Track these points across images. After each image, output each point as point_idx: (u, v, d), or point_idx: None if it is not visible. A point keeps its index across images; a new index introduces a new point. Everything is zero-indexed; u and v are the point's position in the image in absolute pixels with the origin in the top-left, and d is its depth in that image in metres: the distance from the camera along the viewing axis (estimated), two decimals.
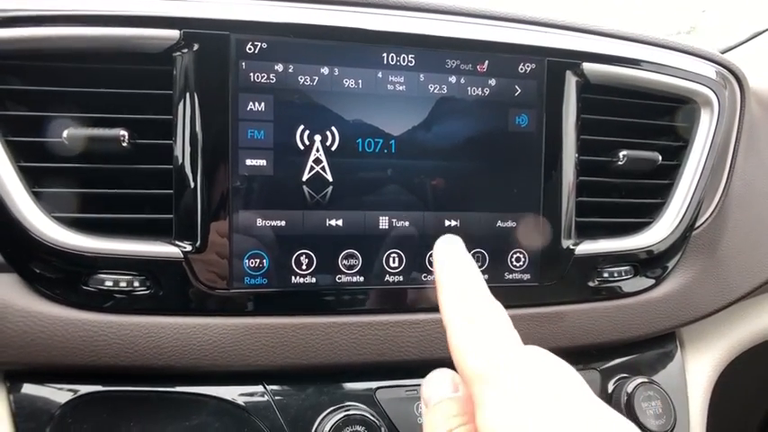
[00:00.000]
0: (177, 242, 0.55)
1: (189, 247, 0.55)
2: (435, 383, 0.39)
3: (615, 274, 0.68)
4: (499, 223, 0.63)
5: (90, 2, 0.54)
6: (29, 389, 0.55)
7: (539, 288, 0.64)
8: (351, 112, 0.58)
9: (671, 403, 0.66)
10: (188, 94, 0.55)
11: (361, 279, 0.59)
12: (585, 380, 0.71)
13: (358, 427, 0.56)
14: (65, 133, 0.53)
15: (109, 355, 0.54)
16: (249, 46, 0.55)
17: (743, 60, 0.79)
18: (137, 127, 0.55)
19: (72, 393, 0.55)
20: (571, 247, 0.65)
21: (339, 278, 0.59)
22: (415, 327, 0.61)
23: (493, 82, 0.61)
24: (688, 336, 0.79)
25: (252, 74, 0.55)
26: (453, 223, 0.61)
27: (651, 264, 0.71)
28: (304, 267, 0.58)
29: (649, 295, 0.71)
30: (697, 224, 0.74)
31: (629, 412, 0.64)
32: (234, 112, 0.55)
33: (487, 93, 0.61)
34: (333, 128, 0.58)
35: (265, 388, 0.59)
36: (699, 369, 0.77)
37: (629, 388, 0.66)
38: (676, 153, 0.73)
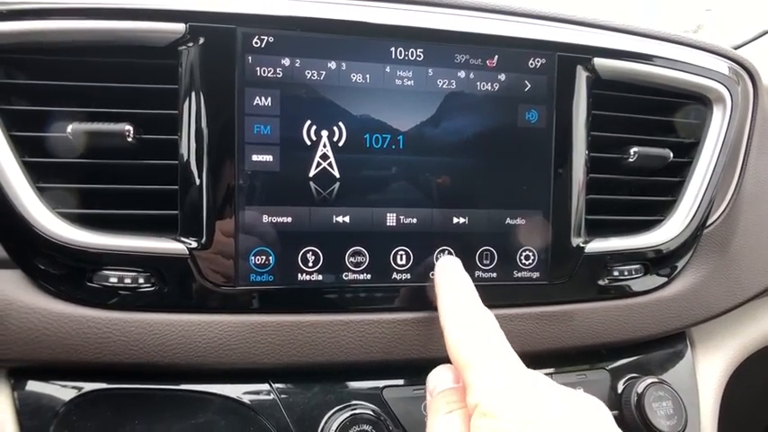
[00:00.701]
0: (182, 238, 0.55)
1: (194, 244, 0.54)
2: (439, 376, 0.48)
3: (625, 273, 0.67)
4: (508, 221, 0.62)
5: None
6: (33, 386, 0.55)
7: (548, 286, 0.63)
8: (358, 107, 0.57)
9: (682, 403, 0.65)
10: (193, 89, 0.54)
11: (368, 277, 0.58)
12: (595, 379, 0.70)
13: (365, 427, 0.55)
14: (69, 128, 0.53)
15: (113, 352, 0.54)
16: (256, 40, 0.54)
17: (753, 58, 0.77)
18: (141, 122, 0.54)
19: (76, 391, 0.54)
20: (581, 245, 0.64)
21: (346, 275, 0.58)
22: (423, 325, 0.60)
23: (503, 77, 0.60)
24: (698, 335, 0.78)
25: (258, 68, 0.55)
26: (461, 220, 0.60)
27: (662, 262, 0.70)
28: (310, 264, 0.57)
29: (660, 294, 0.70)
30: (708, 222, 0.72)
31: (640, 412, 0.63)
32: (240, 106, 0.54)
33: (497, 88, 0.60)
34: (340, 123, 0.57)
35: (271, 386, 0.58)
36: (710, 369, 0.76)
37: (640, 388, 0.65)
38: (688, 150, 0.72)
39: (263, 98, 0.55)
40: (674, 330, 0.72)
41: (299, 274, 0.57)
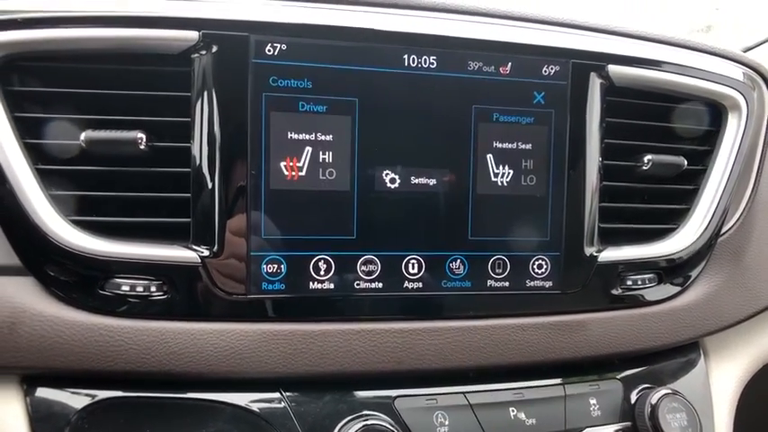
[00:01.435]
0: (194, 246, 0.55)
1: (206, 252, 0.54)
2: None
3: (639, 282, 0.67)
4: (521, 229, 0.61)
5: (107, 3, 0.53)
6: (46, 393, 0.55)
7: (561, 296, 0.63)
8: (369, 114, 0.57)
9: (696, 415, 0.64)
10: (206, 96, 0.54)
11: (380, 285, 0.58)
12: (608, 390, 0.69)
13: None
14: (82, 136, 0.53)
15: (125, 360, 0.53)
16: (268, 47, 0.54)
17: (766, 59, 0.76)
18: (154, 129, 0.54)
19: (89, 398, 0.54)
20: (594, 253, 0.64)
21: (357, 284, 0.58)
22: (434, 334, 0.60)
23: (516, 84, 0.60)
24: (712, 344, 0.77)
25: (271, 75, 0.54)
26: (473, 229, 0.60)
27: (675, 271, 0.69)
28: (322, 273, 0.57)
29: (673, 304, 0.69)
30: (722, 231, 0.72)
31: (654, 424, 0.63)
32: (253, 114, 0.54)
33: (511, 96, 0.60)
34: (351, 133, 0.56)
35: (282, 395, 0.58)
36: (723, 379, 0.75)
37: (654, 399, 0.64)
38: (702, 157, 0.71)
39: (275, 106, 0.55)
40: (688, 340, 0.72)
41: (311, 283, 0.57)
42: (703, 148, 0.71)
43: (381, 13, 0.57)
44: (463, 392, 0.61)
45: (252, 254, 0.55)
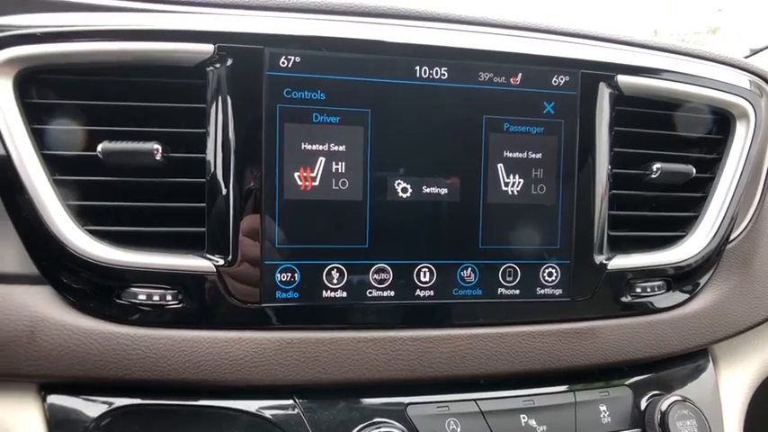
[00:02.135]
0: (209, 256, 0.55)
1: (221, 261, 0.55)
2: None
3: (648, 290, 0.67)
4: (531, 238, 0.62)
5: (123, 17, 0.54)
6: (64, 401, 0.55)
7: (571, 303, 0.63)
8: (381, 125, 0.57)
9: (706, 422, 0.64)
10: (221, 108, 0.54)
11: (392, 293, 0.59)
12: (617, 396, 0.69)
13: None
14: (99, 147, 0.54)
15: (142, 368, 0.54)
16: (283, 59, 0.55)
17: None
18: (170, 140, 0.55)
19: (106, 406, 0.55)
20: (604, 261, 0.64)
21: (370, 292, 0.58)
22: (446, 342, 0.60)
23: (526, 94, 0.61)
24: (721, 351, 0.78)
25: (285, 87, 0.55)
26: (484, 238, 0.60)
27: (684, 279, 0.69)
28: (335, 281, 0.57)
29: (682, 311, 0.70)
30: (731, 238, 0.72)
31: (664, 431, 0.63)
32: (267, 125, 0.55)
33: (521, 106, 0.60)
34: (365, 143, 0.57)
35: (296, 402, 0.58)
36: (733, 386, 0.75)
37: (663, 406, 0.64)
38: (710, 165, 0.72)
39: (289, 117, 0.55)
40: (697, 347, 0.72)
41: (324, 291, 0.57)
42: (711, 155, 0.72)
43: (393, 25, 0.58)
44: (474, 399, 0.61)
45: (266, 263, 0.56)
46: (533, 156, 0.61)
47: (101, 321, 0.54)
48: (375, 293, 0.58)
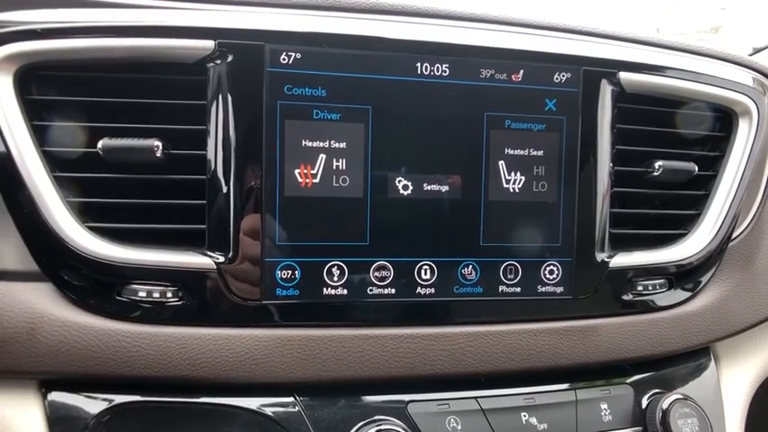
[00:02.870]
0: (209, 253, 0.55)
1: (221, 258, 0.55)
2: None
3: (650, 288, 0.67)
4: (532, 235, 0.62)
5: (123, 13, 0.54)
6: (64, 398, 0.55)
7: (572, 301, 0.63)
8: (382, 121, 0.57)
9: (707, 420, 0.64)
10: (222, 104, 0.54)
11: (393, 291, 0.59)
12: (619, 395, 0.69)
13: None
14: (100, 143, 0.54)
15: (142, 365, 0.54)
16: (283, 56, 0.55)
17: None
18: (170, 137, 0.55)
19: (107, 403, 0.55)
20: (605, 259, 0.64)
21: (371, 290, 0.58)
22: (447, 340, 0.60)
23: (527, 91, 0.60)
24: (722, 349, 0.78)
25: (286, 84, 0.55)
26: (486, 235, 0.60)
27: (686, 277, 0.69)
28: (335, 279, 0.57)
29: (684, 309, 0.70)
30: (733, 236, 0.72)
31: (665, 429, 0.63)
32: (268, 122, 0.55)
33: (522, 103, 0.60)
34: (365, 140, 0.57)
35: (297, 400, 0.58)
36: (735, 384, 0.75)
37: (665, 404, 0.64)
38: (713, 163, 0.71)
39: (289, 114, 0.55)
40: (698, 346, 0.72)
41: (325, 289, 0.57)
42: (714, 153, 0.71)
43: (394, 21, 0.58)
44: (475, 397, 0.61)
45: (266, 260, 0.56)
46: (535, 153, 0.61)
47: (101, 318, 0.54)
48: (376, 291, 0.58)
